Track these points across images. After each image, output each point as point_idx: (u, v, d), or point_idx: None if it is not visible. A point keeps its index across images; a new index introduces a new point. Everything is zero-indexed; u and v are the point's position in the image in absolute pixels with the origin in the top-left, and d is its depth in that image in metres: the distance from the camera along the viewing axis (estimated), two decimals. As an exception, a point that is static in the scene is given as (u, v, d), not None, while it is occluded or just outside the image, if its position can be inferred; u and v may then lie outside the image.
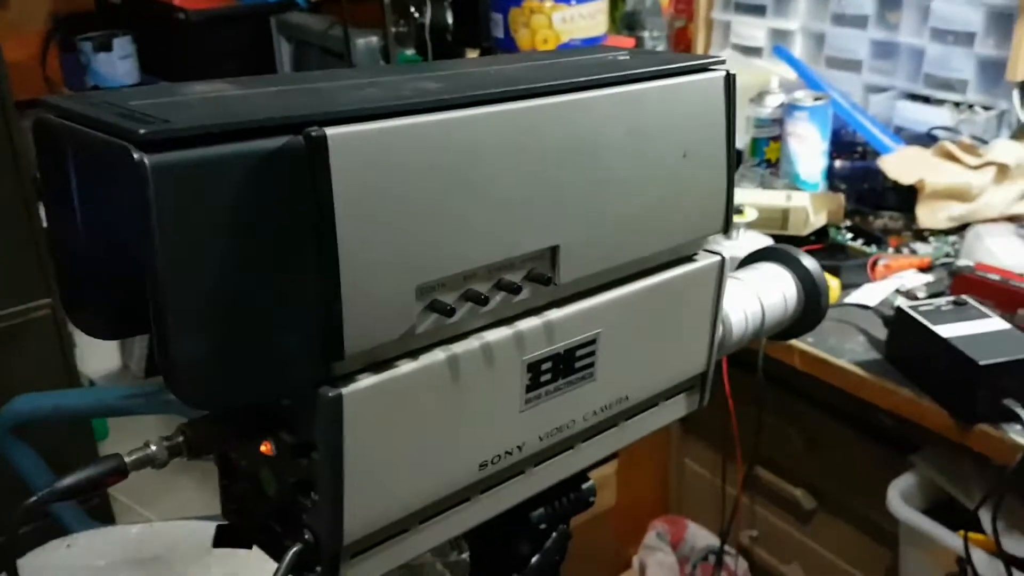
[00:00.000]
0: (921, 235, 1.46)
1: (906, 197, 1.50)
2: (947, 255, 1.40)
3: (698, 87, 0.55)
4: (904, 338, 1.14)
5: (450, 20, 2.06)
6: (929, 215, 1.43)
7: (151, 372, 3.03)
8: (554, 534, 0.59)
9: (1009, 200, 1.44)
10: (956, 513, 1.18)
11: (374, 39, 2.20)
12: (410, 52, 2.07)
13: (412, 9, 2.07)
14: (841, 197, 1.47)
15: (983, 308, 1.13)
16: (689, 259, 0.60)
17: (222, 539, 0.50)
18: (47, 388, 1.51)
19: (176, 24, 2.60)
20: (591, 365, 0.55)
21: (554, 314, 0.52)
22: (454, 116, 0.44)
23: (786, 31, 1.90)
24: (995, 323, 1.09)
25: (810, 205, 1.37)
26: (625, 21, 2.06)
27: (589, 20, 1.69)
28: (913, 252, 1.41)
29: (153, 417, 2.70)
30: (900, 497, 1.18)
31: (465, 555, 1.65)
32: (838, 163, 1.59)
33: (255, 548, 1.49)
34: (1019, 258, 1.29)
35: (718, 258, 0.61)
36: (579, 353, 0.54)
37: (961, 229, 1.45)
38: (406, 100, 0.42)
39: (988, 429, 1.03)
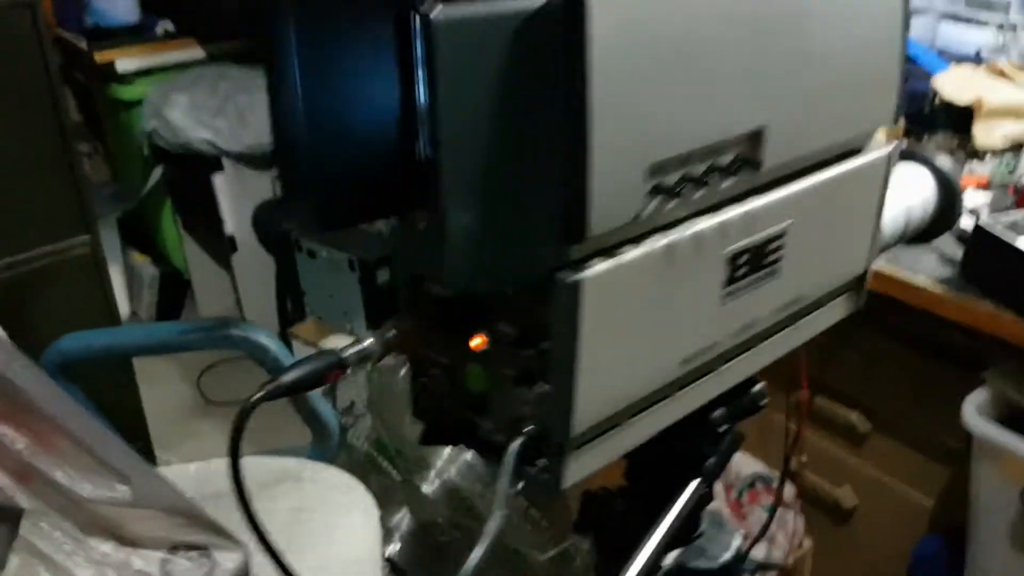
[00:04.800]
0: (976, 154, 1.45)
1: (957, 117, 1.48)
2: (1006, 174, 1.39)
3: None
4: (983, 253, 1.13)
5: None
6: (986, 134, 1.42)
7: (161, 317, 3.00)
8: (728, 436, 0.58)
9: (1063, 118, 1.43)
10: (1027, 428, 1.19)
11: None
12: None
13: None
14: (900, 119, 1.46)
15: (1058, 222, 1.12)
16: (859, 151, 0.58)
17: (429, 437, 0.49)
18: (88, 327, 1.47)
19: (178, -40, 2.53)
20: (778, 260, 0.53)
21: (752, 203, 0.50)
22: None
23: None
24: (1073, 235, 1.08)
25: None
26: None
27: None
28: (971, 171, 1.40)
29: (174, 364, 2.68)
30: (976, 411, 1.18)
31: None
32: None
33: (314, 481, 1.46)
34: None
35: (888, 149, 0.59)
36: (770, 247, 0.52)
37: (1015, 148, 1.43)
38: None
39: (1073, 339, 1.03)
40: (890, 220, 0.67)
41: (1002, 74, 1.46)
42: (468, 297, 0.45)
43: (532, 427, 0.45)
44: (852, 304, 0.64)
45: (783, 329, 0.58)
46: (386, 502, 1.59)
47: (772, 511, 1.45)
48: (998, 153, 1.44)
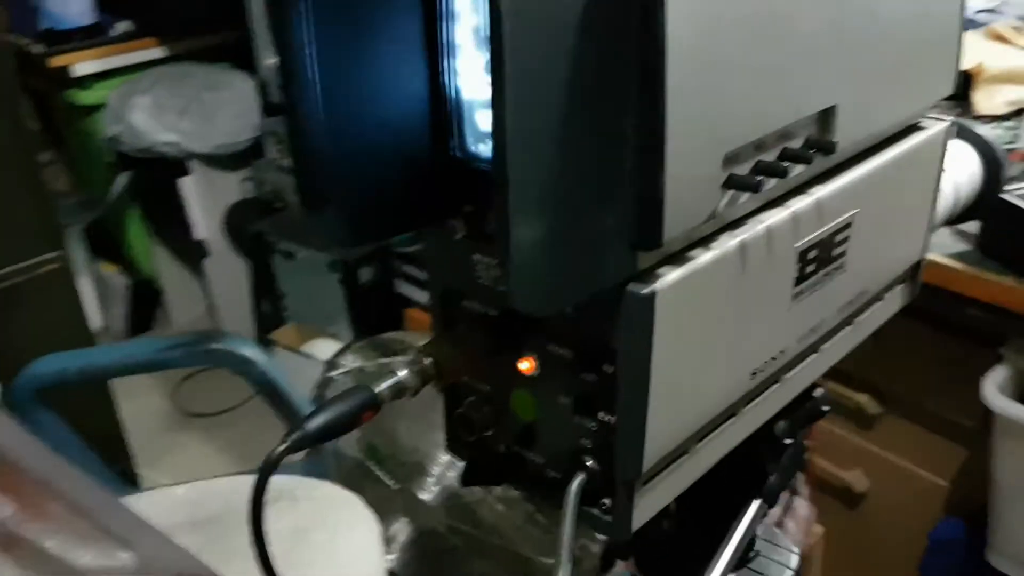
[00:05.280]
0: (977, 121, 1.40)
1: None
2: (1008, 141, 1.35)
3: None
4: (1002, 225, 1.08)
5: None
6: (986, 100, 1.37)
7: (134, 332, 2.91)
8: (791, 449, 0.53)
9: (1063, 81, 1.39)
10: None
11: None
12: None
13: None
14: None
15: (1075, 190, 1.08)
16: (916, 127, 0.53)
17: (471, 477, 0.43)
18: (60, 349, 1.39)
19: (133, -43, 2.43)
20: (843, 254, 0.48)
21: (820, 191, 0.44)
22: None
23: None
24: (1093, 203, 1.04)
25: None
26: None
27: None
28: (973, 140, 1.35)
29: (149, 375, 2.59)
30: (996, 389, 1.14)
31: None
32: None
33: (311, 499, 1.38)
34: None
35: (946, 123, 0.54)
36: (838, 238, 0.46)
37: (1016, 113, 1.39)
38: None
39: (1101, 312, 0.99)
40: (941, 199, 0.62)
41: (1001, 38, 1.42)
42: (512, 314, 0.40)
43: (593, 462, 0.39)
44: (907, 295, 0.59)
45: (844, 328, 0.52)
46: (382, 511, 1.53)
47: (784, 504, 1.40)
48: (999, 119, 1.39)
